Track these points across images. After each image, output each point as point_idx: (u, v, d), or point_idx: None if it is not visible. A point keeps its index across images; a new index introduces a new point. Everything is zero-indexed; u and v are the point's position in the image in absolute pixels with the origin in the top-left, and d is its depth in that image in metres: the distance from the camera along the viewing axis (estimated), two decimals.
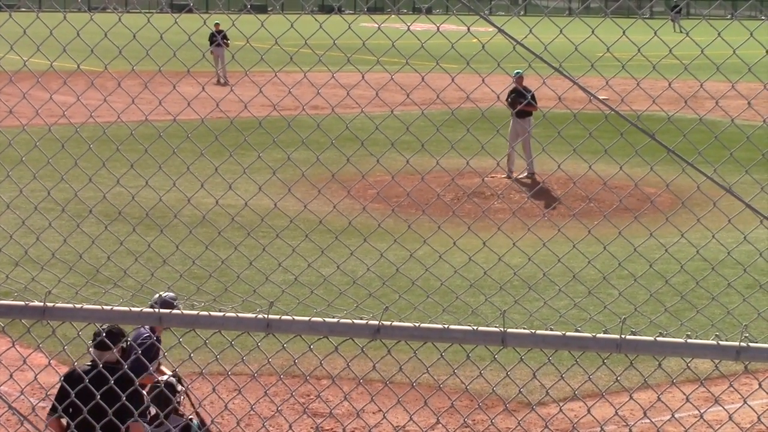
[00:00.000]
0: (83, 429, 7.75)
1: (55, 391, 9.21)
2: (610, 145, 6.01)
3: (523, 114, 25.62)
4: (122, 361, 8.32)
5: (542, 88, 9.12)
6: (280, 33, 6.45)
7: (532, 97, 23.88)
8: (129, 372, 6.29)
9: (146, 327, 10.23)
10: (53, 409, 9.01)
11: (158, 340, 10.27)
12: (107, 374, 6.86)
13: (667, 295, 13.60)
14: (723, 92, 6.96)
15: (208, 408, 12.00)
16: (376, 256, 7.34)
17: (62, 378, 9.00)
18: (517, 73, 25.38)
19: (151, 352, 10.03)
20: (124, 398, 6.19)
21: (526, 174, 25.90)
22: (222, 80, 41.62)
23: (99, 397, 6.27)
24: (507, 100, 25.45)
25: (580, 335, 4.96)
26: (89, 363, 8.91)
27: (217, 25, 40.94)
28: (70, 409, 8.64)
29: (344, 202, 20.93)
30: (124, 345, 9.11)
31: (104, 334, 8.55)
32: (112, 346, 8.52)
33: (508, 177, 25.66)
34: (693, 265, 15.42)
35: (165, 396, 8.87)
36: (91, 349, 8.84)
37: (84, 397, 6.66)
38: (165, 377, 9.39)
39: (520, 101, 24.56)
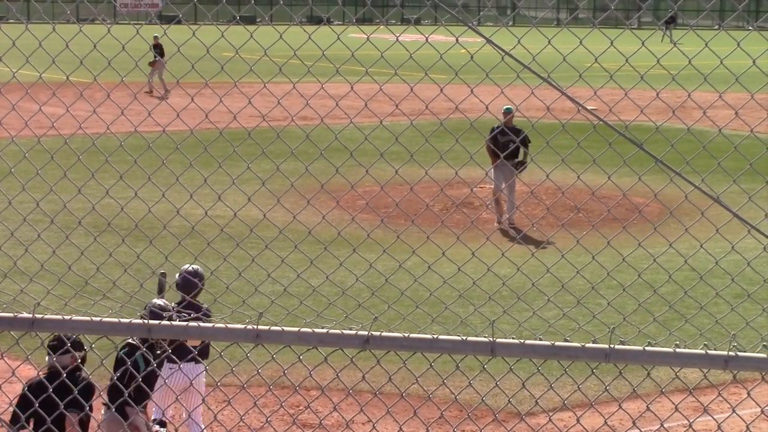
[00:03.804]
0: None
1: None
2: (599, 155, 6.03)
3: (511, 156, 22.22)
4: (81, 367, 8.44)
5: (531, 99, 9.13)
6: (269, 44, 6.46)
7: (525, 138, 21.28)
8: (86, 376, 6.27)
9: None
10: (14, 420, 9.02)
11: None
12: (65, 380, 6.92)
13: (655, 304, 13.63)
14: (711, 102, 6.99)
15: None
16: (365, 267, 7.34)
17: (25, 388, 9.02)
18: (507, 109, 21.95)
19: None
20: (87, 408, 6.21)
21: (507, 223, 22.48)
22: (154, 90, 41.34)
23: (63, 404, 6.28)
24: (495, 143, 21.87)
25: (569, 345, 4.97)
26: (46, 371, 8.97)
27: (155, 38, 40.29)
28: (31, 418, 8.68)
29: (333, 213, 20.93)
30: (82, 354, 9.18)
31: (54, 339, 8.68)
32: (69, 348, 8.64)
33: (498, 222, 22.63)
34: (681, 275, 15.45)
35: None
36: (46, 356, 8.95)
37: (43, 406, 6.69)
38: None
39: (511, 143, 21.54)
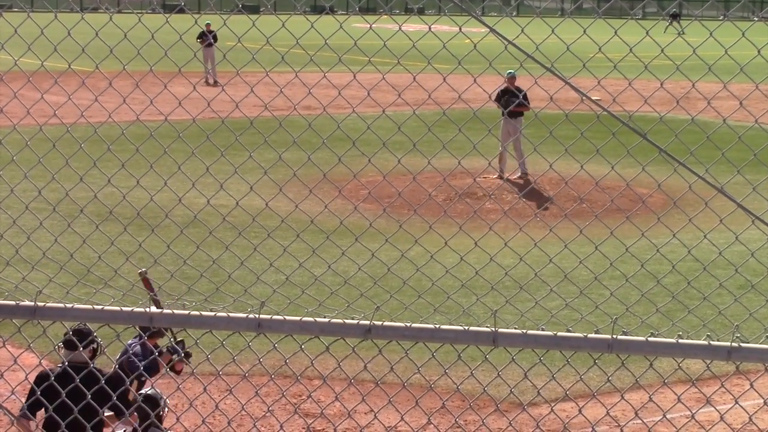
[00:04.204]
0: (55, 429, 7.76)
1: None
2: (602, 146, 6.01)
3: (515, 114, 25.65)
4: (90, 362, 8.42)
5: (534, 88, 9.10)
6: (271, 33, 6.44)
7: (524, 96, 23.56)
8: (96, 371, 6.26)
9: (137, 342, 10.22)
10: (29, 411, 8.98)
11: (157, 349, 10.26)
12: (78, 375, 6.88)
13: (658, 295, 13.61)
14: (715, 93, 6.97)
15: (199, 408, 11.98)
16: (367, 256, 7.33)
17: (35, 381, 8.96)
18: (510, 73, 25.25)
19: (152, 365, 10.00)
20: (115, 397, 6.19)
21: (518, 174, 26.04)
22: (211, 81, 41.61)
23: (90, 396, 6.26)
24: (499, 100, 25.17)
25: (571, 335, 4.95)
26: (60, 365, 8.94)
27: (208, 25, 40.96)
28: (44, 411, 8.64)
29: (336, 202, 20.92)
30: (95, 346, 9.15)
31: (72, 334, 8.63)
32: (80, 345, 8.62)
33: (500, 177, 25.77)
34: (685, 266, 15.44)
35: (146, 409, 8.87)
36: (61, 350, 8.92)
37: (57, 399, 6.65)
38: (147, 390, 9.37)
39: (513, 101, 24.28)
